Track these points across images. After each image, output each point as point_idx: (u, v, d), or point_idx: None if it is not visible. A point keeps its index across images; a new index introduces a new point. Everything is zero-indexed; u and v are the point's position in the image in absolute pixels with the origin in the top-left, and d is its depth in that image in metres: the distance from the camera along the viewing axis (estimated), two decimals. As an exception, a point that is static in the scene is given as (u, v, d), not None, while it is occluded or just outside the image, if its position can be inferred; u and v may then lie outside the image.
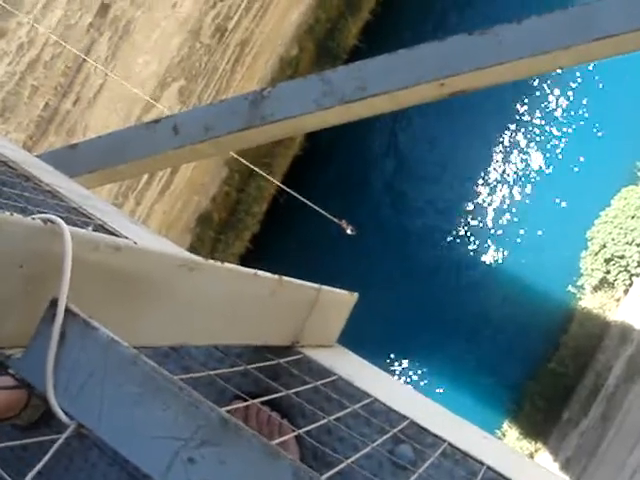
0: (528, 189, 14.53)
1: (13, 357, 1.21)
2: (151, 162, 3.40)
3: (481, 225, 14.61)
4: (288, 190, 9.19)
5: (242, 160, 8.82)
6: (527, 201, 14.50)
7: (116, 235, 2.36)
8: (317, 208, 10.46)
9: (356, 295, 2.48)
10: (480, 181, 14.72)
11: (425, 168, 14.77)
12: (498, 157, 14.73)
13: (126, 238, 2.37)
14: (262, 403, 2.08)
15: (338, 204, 14.61)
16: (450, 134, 14.69)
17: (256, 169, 9.47)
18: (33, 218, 1.17)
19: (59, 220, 1.19)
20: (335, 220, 10.97)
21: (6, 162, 2.70)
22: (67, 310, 1.17)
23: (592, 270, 13.38)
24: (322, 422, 1.88)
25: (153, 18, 12.27)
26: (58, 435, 1.13)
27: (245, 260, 13.92)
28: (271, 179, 10.42)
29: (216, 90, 12.84)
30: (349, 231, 11.54)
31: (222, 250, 13.32)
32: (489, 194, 14.69)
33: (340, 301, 2.41)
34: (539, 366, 13.71)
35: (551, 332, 13.73)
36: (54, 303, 1.17)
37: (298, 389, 2.03)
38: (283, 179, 14.16)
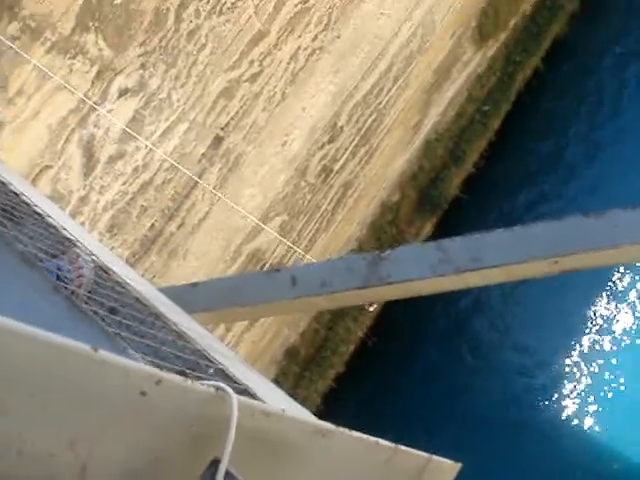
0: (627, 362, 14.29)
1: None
2: (265, 308, 3.55)
3: (575, 389, 14.36)
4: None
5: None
6: (623, 370, 14.23)
7: (237, 383, 2.49)
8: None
9: (459, 465, 2.52)
10: (575, 347, 14.55)
11: (516, 331, 14.68)
12: (596, 323, 14.58)
13: (244, 384, 2.51)
14: None
15: (426, 354, 14.64)
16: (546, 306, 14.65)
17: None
18: (208, 385, 1.30)
19: (229, 389, 1.32)
20: None
21: (139, 299, 2.88)
22: (226, 471, 1.28)
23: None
24: None
25: (263, 154, 12.71)
26: None
27: (328, 399, 13.91)
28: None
29: (316, 229, 13.13)
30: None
31: (305, 387, 13.33)
32: (585, 360, 14.48)
33: (445, 470, 2.45)
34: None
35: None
36: (215, 463, 1.28)
37: None
38: (374, 321, 14.27)
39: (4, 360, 1.06)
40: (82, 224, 11.71)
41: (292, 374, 13.65)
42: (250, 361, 12.57)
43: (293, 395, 12.97)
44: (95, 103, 11.74)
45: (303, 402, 13.49)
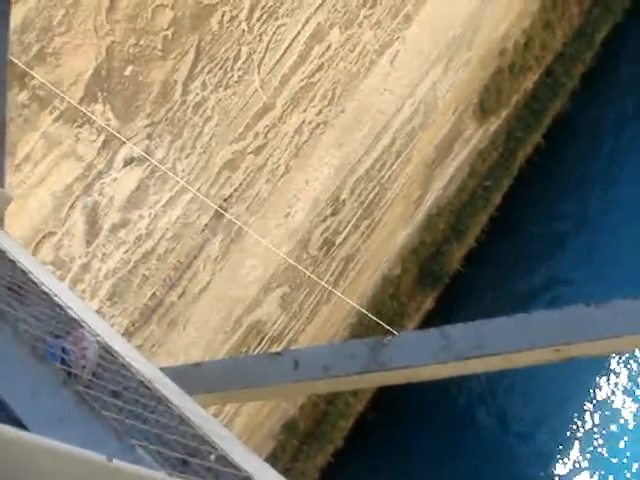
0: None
1: None
2: (266, 392, 3.56)
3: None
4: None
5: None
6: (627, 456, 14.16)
7: (239, 470, 2.50)
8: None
9: None
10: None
11: (517, 413, 14.63)
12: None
13: (246, 472, 2.51)
14: None
15: (426, 431, 14.54)
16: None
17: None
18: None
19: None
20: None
21: (143, 382, 2.90)
22: None
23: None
24: None
25: (265, 225, 12.80)
26: None
27: (326, 474, 13.78)
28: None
29: (317, 301, 13.15)
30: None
31: (303, 460, 13.21)
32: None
33: None
34: None
35: None
36: None
37: None
38: (373, 396, 14.21)
39: (13, 471, 1.08)
40: (83, 291, 11.74)
41: (290, 448, 13.53)
42: (247, 434, 12.48)
43: (291, 469, 12.80)
44: (100, 171, 11.86)
45: (301, 476, 13.39)
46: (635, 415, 14.39)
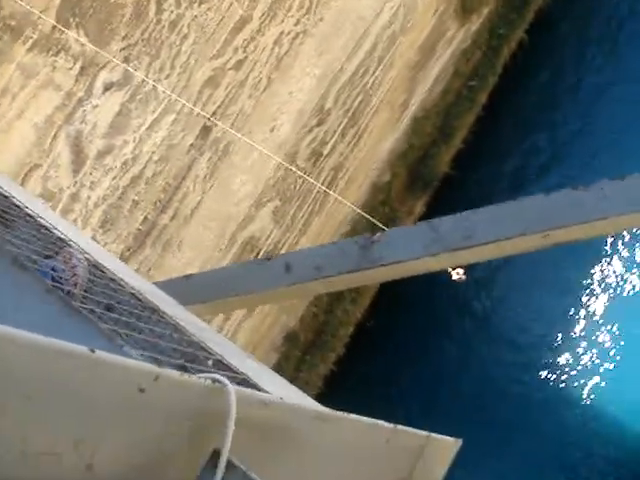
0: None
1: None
2: (261, 297, 3.56)
3: (572, 362, 14.46)
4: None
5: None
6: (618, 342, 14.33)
7: (236, 373, 2.51)
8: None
9: (460, 441, 2.55)
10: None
11: (513, 308, 14.74)
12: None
13: (243, 374, 2.53)
14: None
15: (424, 332, 14.72)
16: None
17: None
18: (205, 378, 1.33)
19: (225, 381, 1.34)
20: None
21: (135, 294, 2.90)
22: (227, 461, 1.31)
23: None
24: None
25: (252, 141, 12.68)
26: None
27: (329, 382, 13.99)
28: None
29: (309, 212, 13.15)
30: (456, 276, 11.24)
31: (307, 370, 13.39)
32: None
33: (445, 447, 2.48)
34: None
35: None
36: (216, 454, 1.31)
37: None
38: (372, 302, 14.33)
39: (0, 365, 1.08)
40: (74, 221, 11.70)
41: (293, 359, 13.71)
42: (250, 348, 12.61)
43: (295, 379, 12.94)
44: (80, 99, 11.71)
45: (305, 386, 13.58)
46: (628, 298, 14.54)
